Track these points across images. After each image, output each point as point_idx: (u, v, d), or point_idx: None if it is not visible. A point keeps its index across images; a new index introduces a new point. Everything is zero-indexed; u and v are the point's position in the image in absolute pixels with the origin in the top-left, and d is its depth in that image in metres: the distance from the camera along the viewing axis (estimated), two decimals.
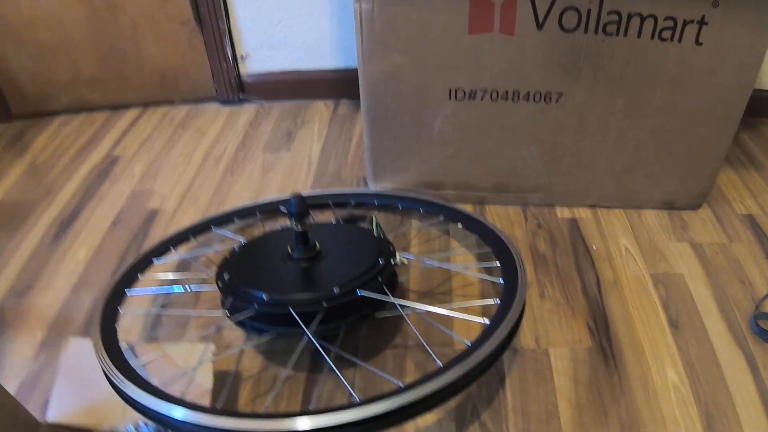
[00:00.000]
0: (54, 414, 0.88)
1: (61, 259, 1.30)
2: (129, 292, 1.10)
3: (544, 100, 1.18)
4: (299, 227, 0.97)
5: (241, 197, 1.46)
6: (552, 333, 1.06)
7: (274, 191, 1.47)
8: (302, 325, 0.88)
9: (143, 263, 1.17)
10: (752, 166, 1.45)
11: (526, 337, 1.05)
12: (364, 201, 1.35)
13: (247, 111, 1.85)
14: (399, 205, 1.32)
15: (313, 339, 0.88)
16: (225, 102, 1.88)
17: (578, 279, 1.16)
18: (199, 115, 1.84)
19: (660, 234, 1.26)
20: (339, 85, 1.83)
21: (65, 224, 1.40)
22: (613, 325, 1.06)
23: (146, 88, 1.84)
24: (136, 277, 1.13)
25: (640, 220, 1.29)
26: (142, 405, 0.81)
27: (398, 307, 0.95)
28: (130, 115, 1.85)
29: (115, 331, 0.98)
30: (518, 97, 1.18)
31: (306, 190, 1.45)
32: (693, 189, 1.28)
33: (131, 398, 0.82)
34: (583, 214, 1.32)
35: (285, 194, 1.41)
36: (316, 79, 1.83)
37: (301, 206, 0.96)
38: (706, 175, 1.26)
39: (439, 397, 0.76)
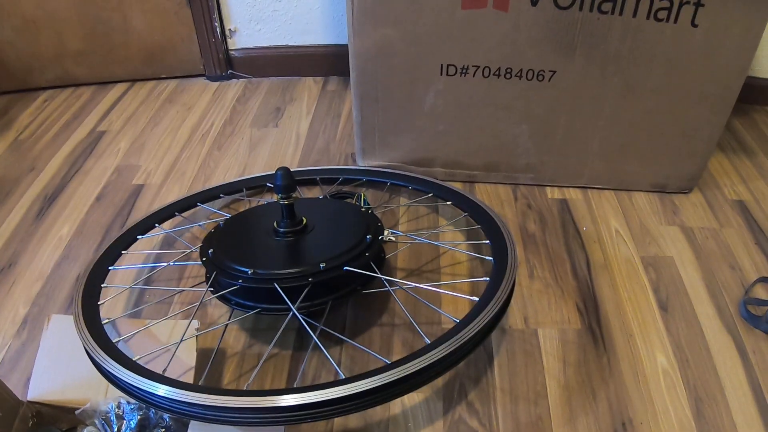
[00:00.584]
0: (35, 392, 0.86)
1: (45, 235, 1.28)
2: (112, 269, 1.08)
3: (537, 77, 1.16)
4: (285, 200, 0.96)
5: (227, 173, 1.44)
6: (541, 313, 1.05)
7: (261, 167, 1.45)
8: (287, 301, 0.86)
9: (127, 239, 1.14)
10: (743, 153, 1.44)
11: (514, 316, 1.04)
12: (352, 177, 1.33)
13: (235, 86, 1.83)
14: (388, 182, 1.30)
15: (298, 315, 0.86)
16: (213, 77, 1.85)
17: (568, 260, 1.15)
18: (186, 90, 1.81)
19: (651, 217, 1.25)
20: (328, 61, 1.80)
21: (49, 200, 1.38)
22: (603, 307, 1.05)
23: (133, 63, 1.81)
24: (120, 254, 1.11)
25: (631, 203, 1.28)
26: (124, 382, 0.79)
27: (386, 283, 0.94)
28: (116, 90, 1.82)
29: (97, 308, 0.96)
30: (511, 74, 1.16)
31: (293, 166, 1.43)
32: (685, 172, 1.27)
33: (113, 375, 0.80)
34: (573, 194, 1.31)
35: (272, 170, 1.38)
36: (306, 55, 1.81)
37: (287, 179, 0.94)
38: (698, 158, 1.25)
39: (426, 374, 0.75)
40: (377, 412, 0.90)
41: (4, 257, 1.23)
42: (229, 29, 1.77)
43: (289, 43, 1.80)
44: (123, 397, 0.82)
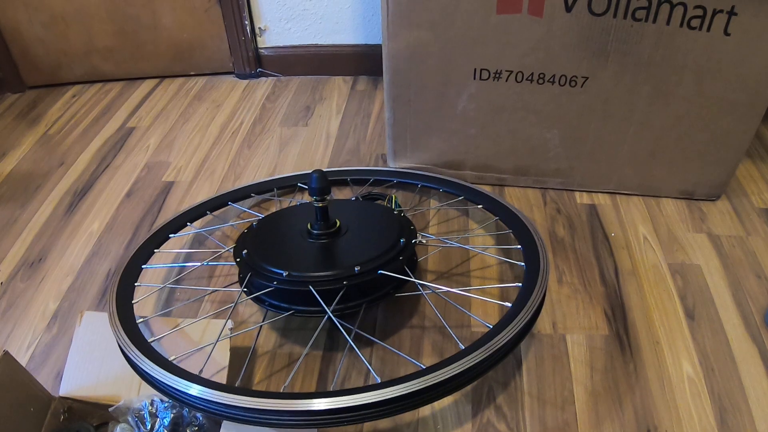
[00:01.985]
0: (67, 387, 0.88)
1: (75, 230, 1.30)
2: (144, 267, 1.09)
3: (570, 83, 1.16)
4: (320, 203, 0.97)
5: (258, 171, 1.45)
6: (569, 319, 1.05)
7: (291, 166, 1.46)
8: (322, 304, 0.88)
9: (159, 238, 1.16)
10: None
11: (543, 322, 1.05)
12: (383, 179, 1.34)
13: (264, 84, 1.84)
14: (419, 184, 1.31)
15: (334, 318, 0.87)
16: (242, 75, 1.87)
17: (596, 266, 1.15)
18: (215, 87, 1.83)
19: (678, 224, 1.25)
20: (358, 61, 1.81)
21: (79, 195, 1.40)
22: (630, 314, 1.06)
23: (161, 60, 1.83)
24: (152, 252, 1.13)
25: (659, 209, 1.28)
26: (159, 381, 0.80)
27: (419, 287, 0.95)
28: (145, 86, 1.84)
29: (131, 306, 0.98)
30: (543, 79, 1.16)
31: (324, 166, 1.44)
32: (713, 180, 1.27)
33: (147, 374, 0.82)
34: (602, 200, 1.31)
35: (303, 170, 1.40)
36: (335, 54, 1.82)
37: (322, 181, 0.95)
38: (726, 165, 1.25)
39: (460, 380, 0.76)
40: (407, 415, 0.91)
41: (34, 252, 1.25)
42: (259, 27, 1.78)
43: (319, 42, 1.81)
44: (156, 395, 0.84)
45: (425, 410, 0.92)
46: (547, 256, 0.96)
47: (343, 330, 0.87)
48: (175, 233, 1.18)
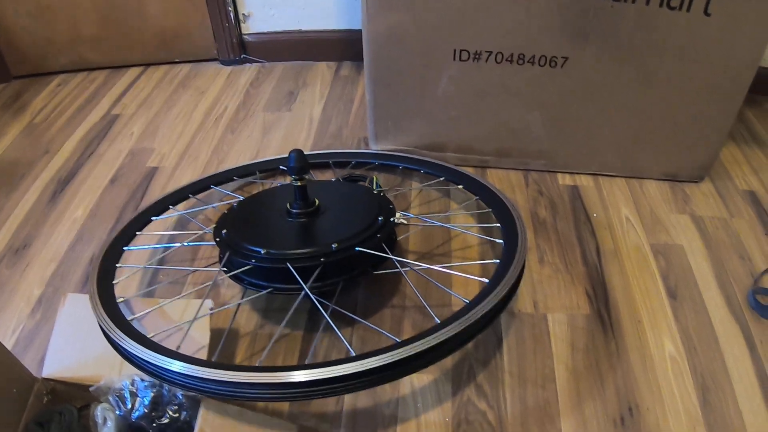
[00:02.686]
0: (49, 369, 0.88)
1: (59, 217, 1.29)
2: (126, 249, 1.09)
3: (550, 64, 1.16)
4: (298, 182, 0.97)
5: (241, 156, 1.45)
6: (550, 298, 1.05)
7: (274, 151, 1.46)
8: (300, 281, 0.87)
9: (141, 221, 1.16)
10: (755, 143, 1.44)
11: (524, 301, 1.05)
12: (364, 161, 1.34)
13: (249, 71, 1.84)
14: (400, 166, 1.31)
15: (310, 294, 0.87)
16: (226, 62, 1.86)
17: (578, 246, 1.15)
18: (199, 74, 1.82)
19: (661, 205, 1.25)
20: (342, 47, 1.81)
21: (63, 182, 1.39)
22: (612, 294, 1.06)
23: (147, 48, 1.82)
24: (134, 235, 1.12)
25: (642, 191, 1.29)
26: (139, 359, 0.80)
27: (397, 264, 0.94)
28: (130, 74, 1.83)
29: (112, 287, 0.97)
30: (524, 60, 1.16)
31: (306, 150, 1.44)
32: (696, 161, 1.27)
33: (128, 352, 0.82)
34: (584, 181, 1.32)
35: (285, 154, 1.39)
36: (319, 40, 1.81)
37: (300, 160, 0.95)
38: (709, 147, 1.25)
39: (436, 352, 0.76)
40: (386, 392, 0.92)
41: (19, 239, 1.24)
42: (243, 14, 1.77)
43: (303, 28, 1.80)
44: (137, 375, 0.83)
45: (405, 388, 0.92)
46: (525, 232, 0.96)
47: (320, 306, 0.87)
48: (157, 216, 1.18)
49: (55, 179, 1.40)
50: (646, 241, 1.16)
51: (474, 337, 0.82)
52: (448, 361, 0.95)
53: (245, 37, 1.82)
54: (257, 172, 1.33)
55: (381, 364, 0.72)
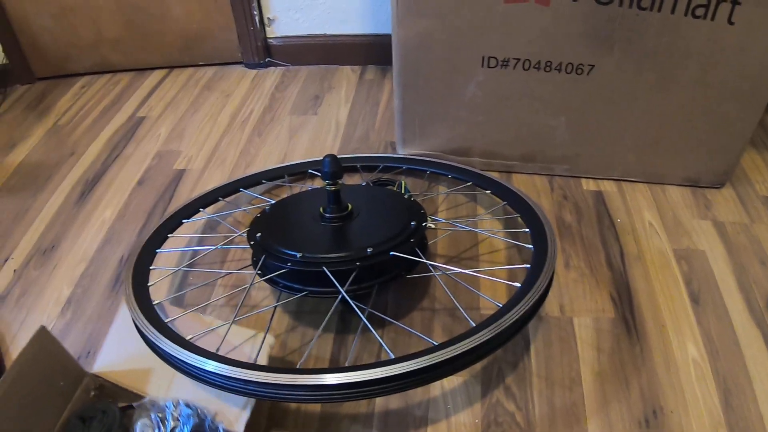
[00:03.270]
0: (101, 366, 0.89)
1: (87, 218, 1.31)
2: (158, 251, 1.11)
3: (576, 71, 1.18)
4: (332, 186, 0.98)
5: (268, 159, 1.47)
6: (576, 302, 1.07)
7: (301, 154, 1.48)
8: (336, 284, 0.89)
9: (172, 223, 1.18)
10: None
11: (551, 305, 1.06)
12: (392, 165, 1.36)
13: (274, 74, 1.85)
14: (427, 171, 1.33)
15: (347, 297, 0.89)
16: (251, 65, 1.88)
17: (603, 251, 1.17)
18: (224, 77, 1.84)
19: (683, 210, 1.26)
20: (366, 50, 1.82)
21: (90, 184, 1.41)
22: (636, 298, 1.07)
23: (171, 50, 1.84)
24: (166, 237, 1.14)
25: (664, 196, 1.30)
26: (176, 358, 0.82)
27: (430, 267, 0.96)
28: (154, 76, 1.85)
29: (147, 288, 1.00)
30: (550, 67, 1.18)
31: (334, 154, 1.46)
32: (717, 167, 1.28)
33: (165, 352, 0.84)
34: (608, 187, 1.33)
35: (313, 157, 1.41)
36: (344, 44, 1.83)
37: (334, 165, 0.96)
38: (731, 153, 1.26)
39: (471, 356, 0.77)
40: (417, 394, 0.93)
41: (47, 240, 1.26)
42: (268, 17, 1.79)
43: (328, 32, 1.82)
44: (183, 400, 0.83)
45: (435, 390, 0.94)
46: (555, 237, 0.97)
47: (357, 309, 0.89)
48: (187, 219, 1.20)
49: (82, 180, 1.42)
50: (669, 246, 1.18)
51: (507, 341, 0.84)
52: (478, 364, 0.97)
53: (270, 40, 1.84)
54: (286, 176, 1.35)
55: (419, 366, 0.74)
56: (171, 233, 1.16)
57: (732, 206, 1.27)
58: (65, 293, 1.14)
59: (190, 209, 1.22)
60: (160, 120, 1.64)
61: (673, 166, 1.29)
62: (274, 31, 1.82)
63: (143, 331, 0.88)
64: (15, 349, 1.03)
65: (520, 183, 1.36)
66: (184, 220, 1.19)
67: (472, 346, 0.76)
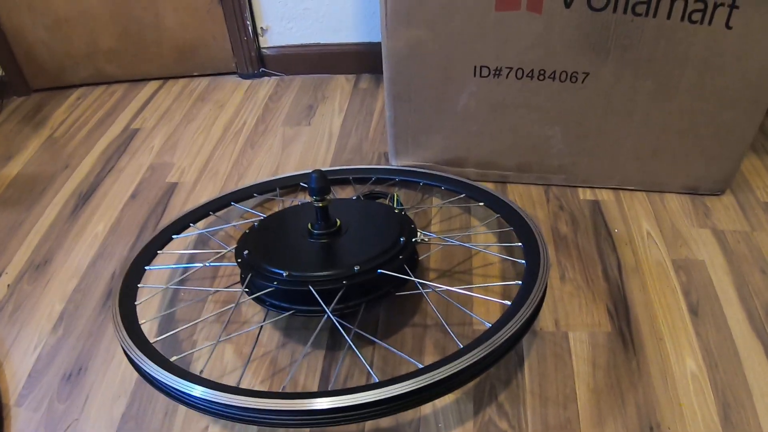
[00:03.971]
0: None
1: (80, 232, 1.30)
2: (148, 269, 1.10)
3: (570, 79, 1.16)
4: (320, 203, 0.97)
5: (261, 171, 1.46)
6: (572, 316, 1.05)
7: (294, 165, 1.47)
8: (322, 303, 0.88)
9: (162, 239, 1.17)
10: None
11: (545, 319, 1.05)
12: (385, 177, 1.34)
13: (267, 84, 1.84)
14: (420, 182, 1.31)
15: (332, 317, 0.87)
16: (245, 75, 1.87)
17: (599, 262, 1.15)
18: (218, 88, 1.83)
19: (682, 219, 1.24)
20: (360, 59, 1.81)
21: (84, 197, 1.40)
22: (633, 310, 1.05)
23: (165, 61, 1.84)
24: (155, 254, 1.13)
25: (663, 205, 1.28)
26: (161, 382, 0.81)
27: (419, 286, 0.95)
28: (149, 87, 1.85)
29: (134, 308, 0.99)
30: (544, 75, 1.16)
31: (326, 165, 1.45)
32: (717, 174, 1.26)
33: (150, 375, 0.83)
34: (605, 196, 1.31)
35: (305, 169, 1.40)
36: (337, 53, 1.82)
37: (321, 181, 0.95)
38: (731, 160, 1.24)
39: (459, 378, 0.76)
40: (408, 413, 0.92)
41: (40, 254, 1.26)
42: (261, 27, 1.78)
43: (321, 41, 1.81)
44: None
45: (427, 409, 0.92)
46: (548, 253, 0.95)
47: (342, 330, 0.88)
48: (178, 234, 1.19)
49: (76, 194, 1.42)
50: (667, 256, 1.16)
51: (497, 362, 0.82)
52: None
53: (263, 50, 1.83)
54: (277, 189, 1.33)
55: (403, 391, 0.72)
56: (160, 249, 1.15)
57: (732, 214, 1.25)
58: (57, 309, 1.13)
59: (180, 224, 1.21)
60: (154, 132, 1.63)
61: (672, 173, 1.27)
62: (267, 41, 1.81)
63: (128, 353, 0.87)
64: (7, 365, 1.03)
65: (515, 193, 1.34)
66: (174, 236, 1.18)
67: (460, 368, 0.75)
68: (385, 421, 0.91)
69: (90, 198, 1.40)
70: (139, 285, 1.05)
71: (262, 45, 1.82)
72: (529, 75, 1.17)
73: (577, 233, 1.22)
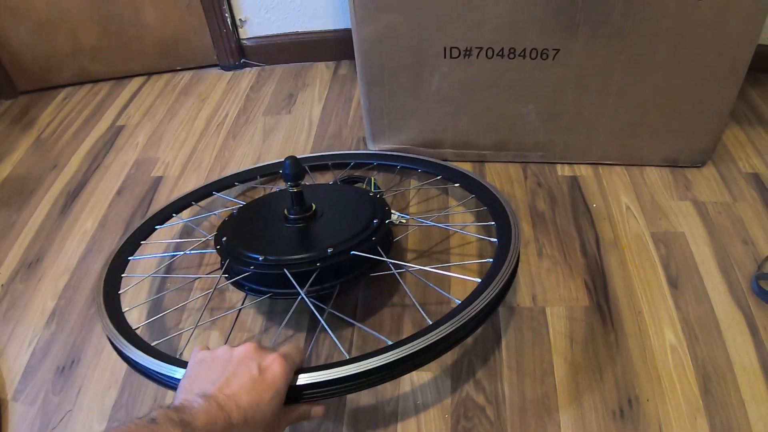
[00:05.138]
0: None
1: (69, 230, 1.32)
2: (132, 259, 1.12)
3: (541, 56, 1.15)
4: (294, 188, 0.98)
5: (243, 161, 1.47)
6: (549, 291, 1.05)
7: (275, 154, 1.48)
8: (296, 286, 0.89)
9: (145, 230, 1.18)
10: (759, 124, 1.41)
11: (522, 295, 1.05)
12: (363, 162, 1.35)
13: (249, 75, 1.85)
14: (398, 165, 1.32)
15: (306, 299, 0.88)
16: (226, 67, 1.88)
17: (577, 238, 1.15)
18: (201, 81, 1.84)
19: (662, 192, 1.24)
20: (339, 46, 1.81)
21: (72, 195, 1.42)
22: (612, 284, 1.05)
23: (147, 57, 1.84)
24: (139, 244, 1.15)
25: (642, 178, 1.28)
26: (145, 367, 0.82)
27: (391, 266, 0.96)
28: (133, 84, 1.86)
29: (118, 296, 1.00)
30: (514, 54, 1.16)
31: (306, 152, 1.46)
32: (697, 146, 1.26)
33: (134, 361, 0.84)
34: (584, 171, 1.31)
35: (285, 157, 1.40)
36: (316, 41, 1.82)
37: (295, 167, 0.96)
38: (710, 131, 1.23)
39: (428, 353, 0.76)
40: (387, 390, 0.93)
41: (32, 253, 1.27)
42: (240, 19, 1.78)
43: (300, 30, 1.81)
44: None
45: (405, 386, 0.93)
46: (519, 231, 0.96)
47: (315, 311, 0.89)
48: (161, 225, 1.20)
49: (65, 193, 1.43)
50: (646, 229, 1.16)
51: (466, 338, 0.82)
52: (448, 358, 0.96)
53: (243, 41, 1.84)
54: (258, 177, 1.34)
55: (373, 366, 0.73)
56: (144, 240, 1.16)
57: (713, 185, 1.25)
58: (50, 305, 1.15)
59: (163, 215, 1.22)
60: (139, 128, 1.64)
61: (651, 147, 1.27)
62: (246, 32, 1.82)
63: (112, 339, 0.89)
64: (3, 362, 1.05)
65: (493, 172, 1.34)
66: (157, 227, 1.20)
67: (428, 343, 0.75)
68: (366, 399, 0.92)
69: (78, 196, 1.41)
70: (123, 275, 1.06)
71: (242, 36, 1.83)
72: (500, 54, 1.16)
73: (555, 209, 1.22)
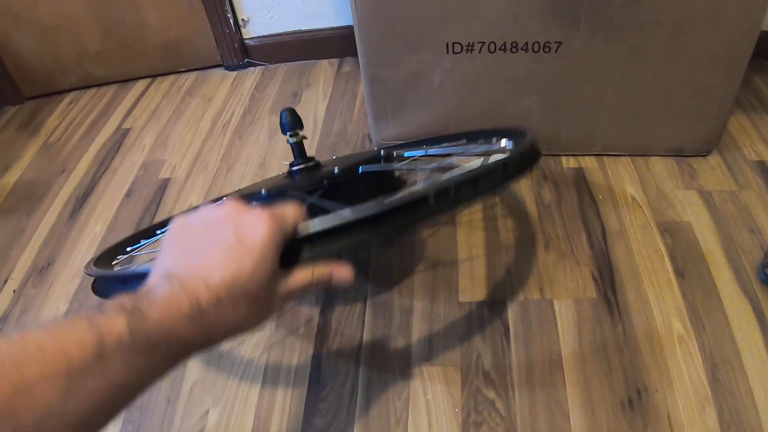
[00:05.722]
0: None
1: (79, 234, 1.33)
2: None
3: (543, 50, 1.15)
4: (294, 137, 0.98)
5: (249, 161, 1.47)
6: (557, 284, 1.06)
7: (281, 154, 1.48)
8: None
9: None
10: (765, 111, 1.40)
11: (530, 288, 1.06)
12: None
13: (253, 74, 1.86)
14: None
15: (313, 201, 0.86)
16: (230, 67, 1.88)
17: (584, 229, 1.15)
18: (205, 81, 1.85)
19: (667, 182, 1.24)
20: (342, 43, 1.81)
21: (81, 200, 1.43)
22: (618, 276, 1.06)
23: (152, 59, 1.85)
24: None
25: (648, 168, 1.27)
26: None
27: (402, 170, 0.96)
28: (138, 86, 1.87)
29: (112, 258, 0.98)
30: (516, 48, 1.16)
31: (312, 151, 1.46)
32: (701, 135, 1.26)
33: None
34: (589, 163, 1.31)
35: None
36: (319, 38, 1.82)
37: (292, 116, 0.98)
38: (714, 120, 1.23)
39: (450, 196, 0.59)
40: (397, 385, 0.94)
41: (43, 257, 1.28)
42: (242, 19, 1.79)
43: (302, 28, 1.81)
44: None
45: (416, 380, 0.94)
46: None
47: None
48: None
49: (73, 197, 1.44)
50: (652, 219, 1.16)
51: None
52: (457, 352, 0.97)
53: (247, 41, 1.84)
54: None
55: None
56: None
57: (719, 174, 1.24)
58: (62, 309, 1.16)
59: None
60: (145, 130, 1.65)
61: (656, 136, 1.27)
62: (249, 32, 1.82)
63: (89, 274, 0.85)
64: None
65: None
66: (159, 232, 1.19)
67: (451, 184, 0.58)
68: (376, 393, 0.93)
69: (87, 200, 1.42)
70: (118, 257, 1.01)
71: (245, 36, 1.83)
72: (502, 48, 1.16)
73: (561, 201, 1.22)
